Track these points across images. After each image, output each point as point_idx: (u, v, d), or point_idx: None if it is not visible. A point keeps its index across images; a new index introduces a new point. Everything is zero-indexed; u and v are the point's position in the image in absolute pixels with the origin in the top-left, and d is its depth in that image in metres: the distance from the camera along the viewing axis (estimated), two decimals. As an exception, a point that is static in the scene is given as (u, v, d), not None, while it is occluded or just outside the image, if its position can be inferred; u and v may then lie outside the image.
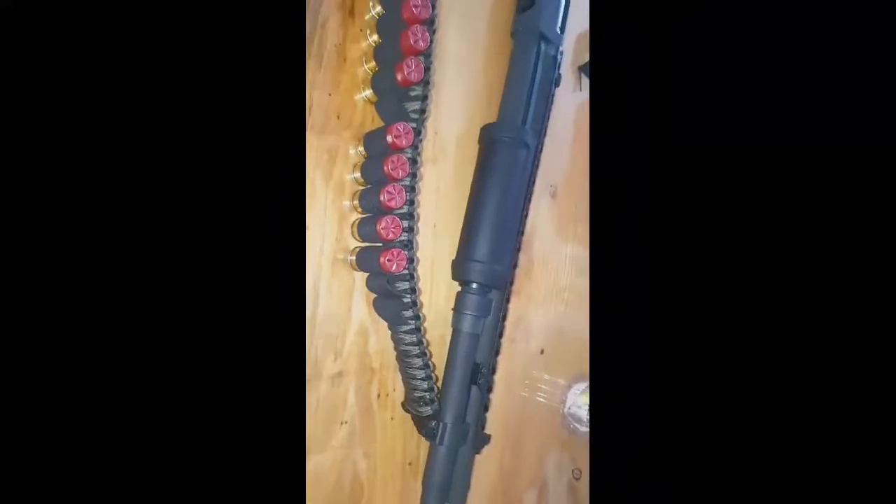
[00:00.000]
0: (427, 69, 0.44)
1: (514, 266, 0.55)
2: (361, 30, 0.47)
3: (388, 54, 0.45)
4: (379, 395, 0.50)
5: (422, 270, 0.52)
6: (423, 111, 0.45)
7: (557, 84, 0.57)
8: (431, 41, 0.44)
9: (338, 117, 0.46)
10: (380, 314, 0.48)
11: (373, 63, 0.47)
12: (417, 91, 0.44)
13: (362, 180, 0.47)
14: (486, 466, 0.58)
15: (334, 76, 0.46)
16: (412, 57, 0.43)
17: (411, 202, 0.45)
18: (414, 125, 0.44)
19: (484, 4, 0.56)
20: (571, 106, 0.65)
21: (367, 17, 0.48)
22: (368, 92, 0.47)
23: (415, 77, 0.43)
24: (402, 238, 0.45)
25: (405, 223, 0.45)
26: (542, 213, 0.63)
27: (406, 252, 0.44)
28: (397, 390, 0.51)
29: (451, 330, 0.51)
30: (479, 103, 0.55)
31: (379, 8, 0.47)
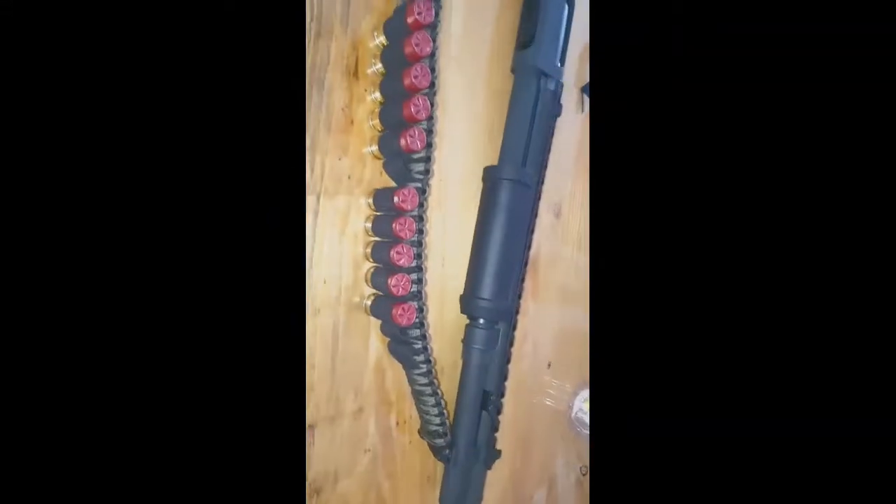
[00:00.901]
0: (430, 132, 0.46)
1: (520, 296, 0.58)
2: (365, 89, 0.49)
3: (392, 117, 0.47)
4: (397, 423, 0.55)
5: (431, 298, 0.55)
6: (427, 171, 0.47)
7: (559, 115, 0.58)
8: (432, 104, 0.46)
9: (349, 177, 0.49)
10: (394, 356, 0.52)
11: (377, 121, 0.49)
12: (421, 154, 0.46)
13: (373, 233, 0.50)
14: (498, 469, 0.63)
15: (343, 139, 0.48)
16: (414, 126, 0.45)
17: (419, 255, 0.48)
18: (419, 185, 0.47)
19: (484, 40, 0.57)
20: (574, 126, 0.67)
21: (368, 71, 0.49)
22: (375, 148, 0.49)
23: (417, 146, 0.45)
24: (413, 290, 0.48)
25: (414, 276, 0.48)
26: (546, 232, 0.65)
27: (416, 303, 0.48)
28: (413, 417, 0.56)
29: (461, 355, 0.55)
30: (481, 141, 0.57)
31: (379, 65, 0.49)
